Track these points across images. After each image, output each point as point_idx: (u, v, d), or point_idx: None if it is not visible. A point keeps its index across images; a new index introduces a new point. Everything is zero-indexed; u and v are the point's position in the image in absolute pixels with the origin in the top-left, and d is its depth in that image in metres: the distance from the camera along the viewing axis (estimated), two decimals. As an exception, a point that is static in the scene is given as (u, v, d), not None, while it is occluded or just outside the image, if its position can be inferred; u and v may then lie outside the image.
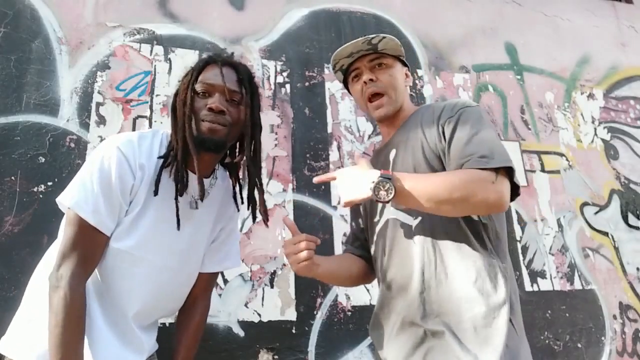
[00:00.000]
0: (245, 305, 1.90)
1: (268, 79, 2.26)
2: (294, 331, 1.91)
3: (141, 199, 1.06)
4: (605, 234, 2.58)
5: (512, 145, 2.56)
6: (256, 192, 1.20)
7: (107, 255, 1.04)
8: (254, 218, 1.22)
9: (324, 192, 2.16)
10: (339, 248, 2.07)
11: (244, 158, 1.19)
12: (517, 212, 2.44)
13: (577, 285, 2.40)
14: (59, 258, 0.99)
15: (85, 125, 1.91)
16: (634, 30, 3.24)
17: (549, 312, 2.30)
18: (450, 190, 0.96)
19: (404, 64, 1.31)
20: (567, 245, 2.46)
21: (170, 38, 2.16)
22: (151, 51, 2.11)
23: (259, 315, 1.90)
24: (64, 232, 1.02)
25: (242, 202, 1.28)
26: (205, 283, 1.27)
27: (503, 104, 2.67)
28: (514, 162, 1.03)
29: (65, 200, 1.01)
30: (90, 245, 1.01)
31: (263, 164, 1.53)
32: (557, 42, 2.96)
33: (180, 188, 1.08)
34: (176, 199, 1.09)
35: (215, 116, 1.08)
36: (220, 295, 1.87)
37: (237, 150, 1.25)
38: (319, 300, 1.99)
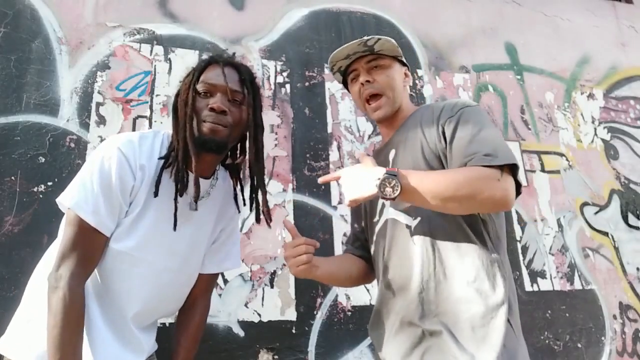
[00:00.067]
0: (245, 305, 1.90)
1: (268, 79, 2.26)
2: (294, 331, 1.91)
3: (141, 200, 1.06)
4: (605, 234, 2.57)
5: (512, 145, 2.56)
6: (259, 193, 1.20)
7: (107, 256, 1.04)
8: (258, 219, 1.21)
9: (324, 192, 2.16)
10: (339, 248, 2.07)
11: (246, 159, 1.18)
12: (517, 212, 2.44)
13: (577, 285, 2.40)
14: (59, 258, 0.99)
15: (85, 125, 1.91)
16: (634, 30, 3.24)
17: (549, 312, 2.30)
18: (456, 187, 0.96)
19: (403, 64, 1.29)
20: (567, 245, 2.46)
21: (170, 38, 2.16)
22: (151, 51, 2.11)
23: (259, 315, 1.90)
24: (64, 232, 1.01)
25: (245, 204, 1.27)
26: (206, 284, 1.27)
27: (503, 104, 2.66)
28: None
29: (65, 200, 1.01)
30: (89, 246, 1.00)
31: (263, 164, 1.52)
32: (557, 42, 2.96)
33: (180, 188, 1.07)
34: (175, 199, 1.08)
35: (216, 117, 1.07)
36: (220, 295, 1.87)
37: (238, 151, 1.25)
38: (319, 300, 1.99)
